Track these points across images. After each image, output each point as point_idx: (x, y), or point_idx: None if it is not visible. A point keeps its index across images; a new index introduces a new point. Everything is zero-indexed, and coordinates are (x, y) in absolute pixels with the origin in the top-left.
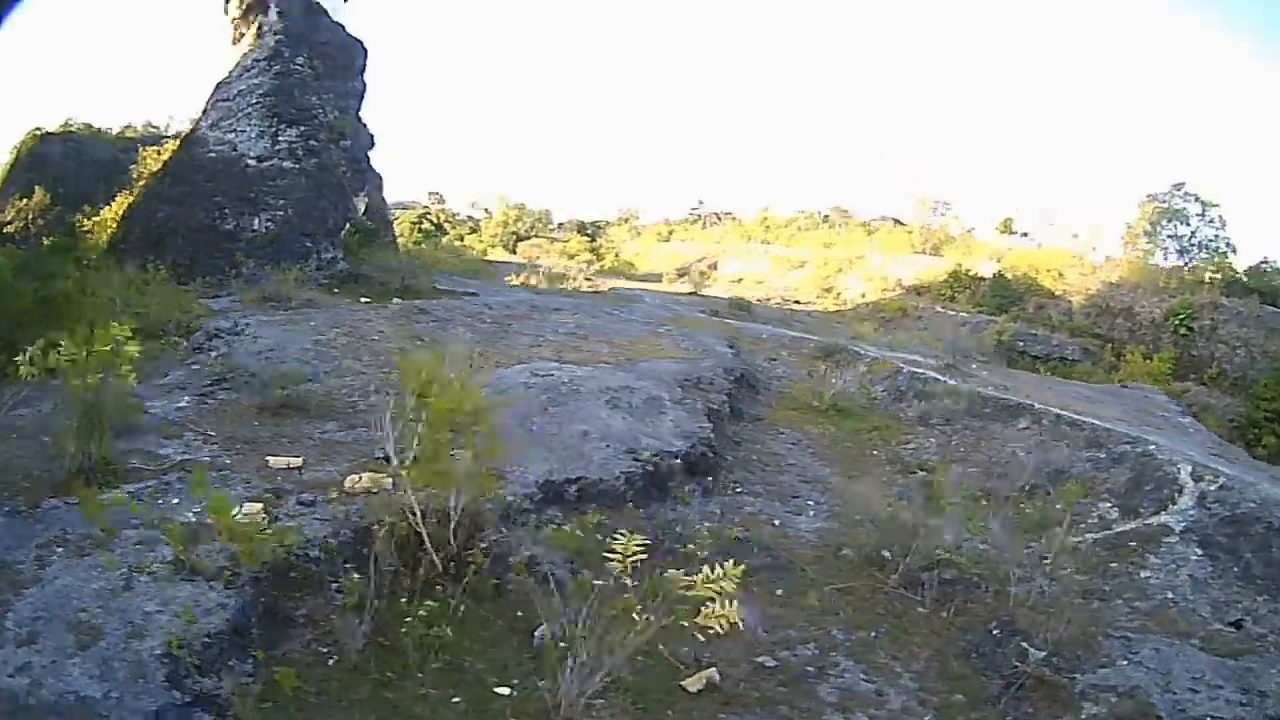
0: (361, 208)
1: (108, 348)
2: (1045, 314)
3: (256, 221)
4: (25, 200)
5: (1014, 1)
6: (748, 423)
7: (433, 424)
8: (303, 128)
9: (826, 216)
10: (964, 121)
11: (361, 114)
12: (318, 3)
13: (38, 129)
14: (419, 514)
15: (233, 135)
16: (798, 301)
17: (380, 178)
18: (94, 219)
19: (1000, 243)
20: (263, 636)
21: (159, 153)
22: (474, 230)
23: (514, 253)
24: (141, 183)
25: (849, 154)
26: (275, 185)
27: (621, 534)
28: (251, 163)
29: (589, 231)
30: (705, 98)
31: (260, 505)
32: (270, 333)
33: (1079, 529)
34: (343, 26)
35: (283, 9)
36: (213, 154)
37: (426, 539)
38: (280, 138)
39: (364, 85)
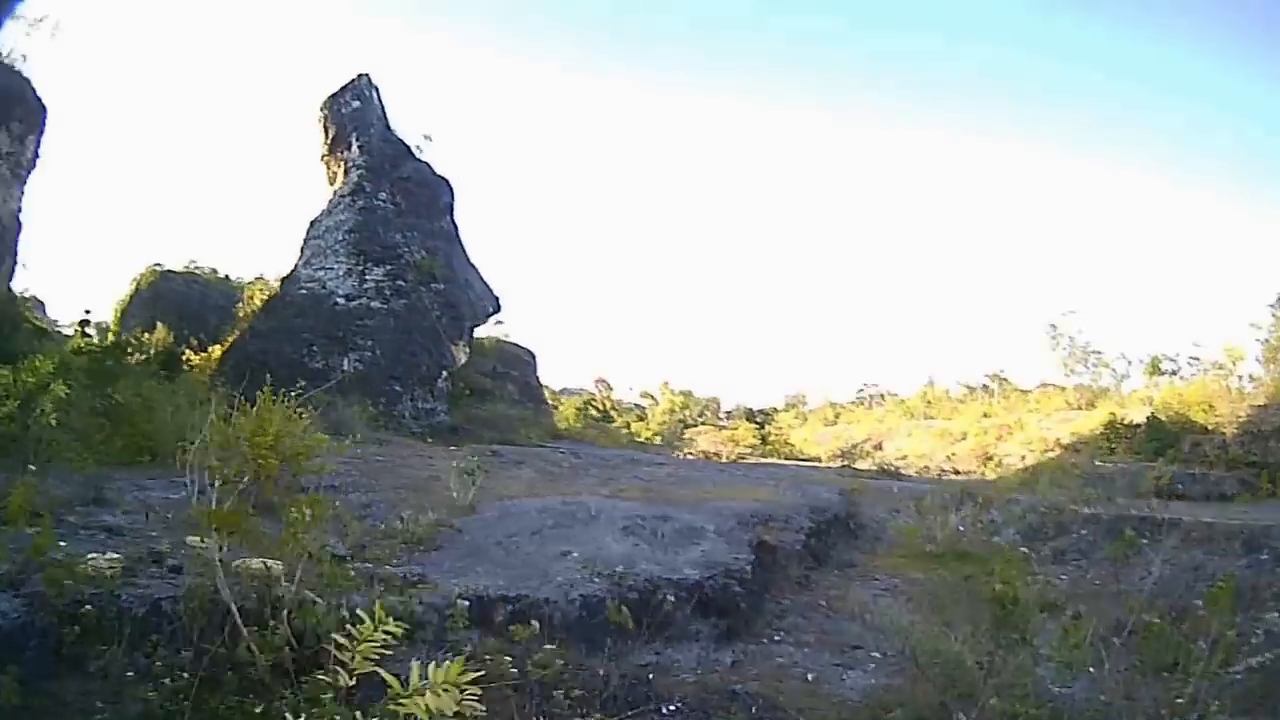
0: (462, 358)
1: (32, 380)
2: (1201, 451)
3: (345, 361)
4: (146, 334)
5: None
6: (834, 568)
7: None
8: (389, 266)
9: (986, 386)
10: (1094, 267)
11: (464, 260)
12: (399, 139)
13: (158, 265)
14: (224, 585)
15: (322, 273)
16: (957, 471)
17: (532, 355)
18: (200, 354)
19: (1151, 385)
20: (37, 664)
21: (264, 290)
22: (641, 418)
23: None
24: (244, 319)
25: (1000, 317)
26: (363, 325)
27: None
28: (340, 301)
29: (758, 419)
30: (866, 277)
31: (118, 557)
32: None
33: (1238, 654)
34: (428, 165)
35: (364, 143)
36: (304, 290)
37: (235, 615)
38: (368, 276)
39: (454, 226)
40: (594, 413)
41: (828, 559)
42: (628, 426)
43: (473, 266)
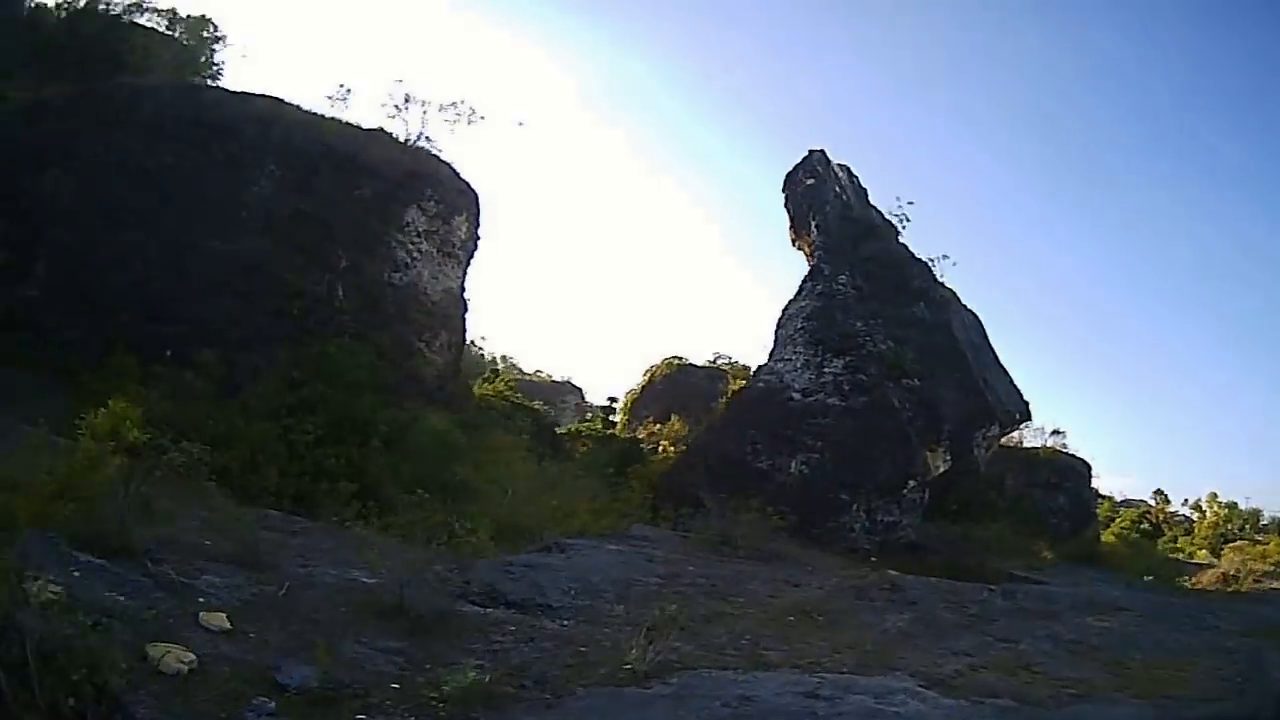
0: (940, 466)
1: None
2: None
3: (792, 463)
4: (659, 425)
5: None
6: None
7: None
8: (848, 358)
9: None
10: None
11: (989, 356)
12: (864, 216)
13: (677, 358)
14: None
15: (781, 365)
16: None
17: (1087, 466)
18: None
19: None
20: None
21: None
22: (1188, 532)
23: (1218, 556)
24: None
25: None
26: (816, 423)
27: None
28: (795, 396)
29: None
30: None
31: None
32: (588, 560)
33: None
34: (902, 244)
35: (819, 222)
36: (761, 384)
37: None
38: (825, 369)
39: (928, 314)
40: (1146, 526)
41: None
42: (1174, 541)
43: (1000, 365)
